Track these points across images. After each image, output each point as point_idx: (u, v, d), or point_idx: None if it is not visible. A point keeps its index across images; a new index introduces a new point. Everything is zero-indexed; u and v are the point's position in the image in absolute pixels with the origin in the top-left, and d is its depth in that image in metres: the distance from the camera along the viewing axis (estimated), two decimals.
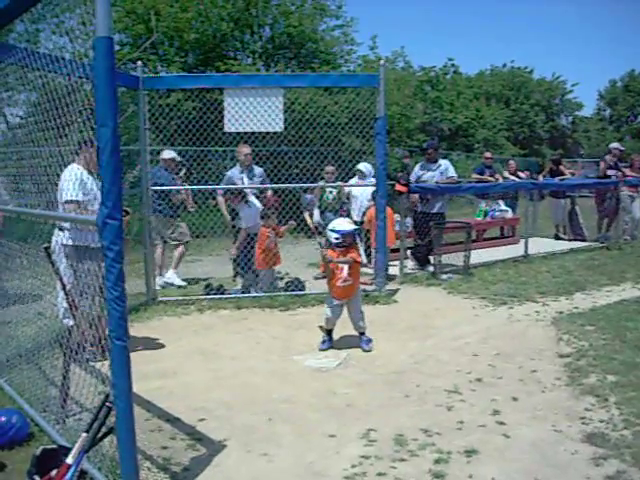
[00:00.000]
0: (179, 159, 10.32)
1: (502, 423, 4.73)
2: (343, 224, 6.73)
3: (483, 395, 5.30)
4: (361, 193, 10.74)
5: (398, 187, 10.20)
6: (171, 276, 9.88)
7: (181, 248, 10.02)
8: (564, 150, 43.76)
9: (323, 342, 6.79)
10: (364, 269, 9.26)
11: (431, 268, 10.52)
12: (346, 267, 6.64)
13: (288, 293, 8.96)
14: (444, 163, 11.09)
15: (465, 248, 10.56)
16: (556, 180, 14.57)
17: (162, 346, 6.77)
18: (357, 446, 4.36)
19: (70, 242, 5.34)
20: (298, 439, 4.49)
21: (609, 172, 14.67)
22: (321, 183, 10.63)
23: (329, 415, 4.93)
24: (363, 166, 10.67)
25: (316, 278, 9.77)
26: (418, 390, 5.46)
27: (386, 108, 8.79)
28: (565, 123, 50.33)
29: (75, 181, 5.37)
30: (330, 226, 6.78)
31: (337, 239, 6.64)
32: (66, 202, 5.45)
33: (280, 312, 8.29)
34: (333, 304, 6.77)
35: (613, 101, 60.96)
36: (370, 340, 6.78)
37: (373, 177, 9.48)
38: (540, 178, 15.85)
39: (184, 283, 9.87)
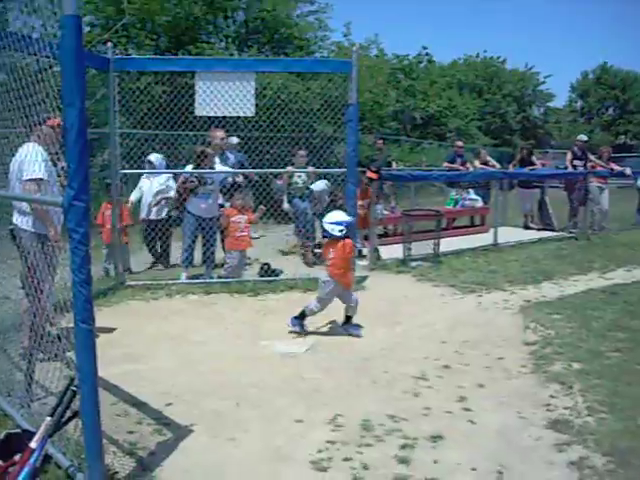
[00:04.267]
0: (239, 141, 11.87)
1: (468, 409, 4.77)
2: (343, 216, 6.80)
3: (450, 382, 5.35)
4: (149, 188, 10.03)
5: (369, 174, 10.20)
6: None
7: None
8: (535, 141, 44.05)
9: (295, 325, 6.80)
10: None
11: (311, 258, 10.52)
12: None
13: (257, 278, 8.95)
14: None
15: (435, 236, 10.61)
16: (526, 170, 14.67)
17: (130, 330, 6.70)
18: (324, 431, 4.38)
19: (32, 229, 5.19)
20: (265, 424, 4.50)
21: (575, 162, 14.83)
22: (289, 168, 10.57)
23: (297, 400, 4.94)
24: (154, 157, 10.01)
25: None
26: (386, 376, 5.49)
27: (359, 95, 8.78)
28: (537, 114, 50.61)
29: (39, 160, 5.03)
30: (331, 219, 6.75)
31: (341, 231, 6.65)
32: (29, 180, 5.07)
33: (249, 298, 8.26)
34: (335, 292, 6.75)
35: (585, 93, 61.56)
36: (359, 327, 6.85)
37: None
38: (511, 167, 15.92)
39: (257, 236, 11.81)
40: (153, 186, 9.85)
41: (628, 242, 12.74)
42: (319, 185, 10.91)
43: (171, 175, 9.98)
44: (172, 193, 9.84)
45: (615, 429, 4.40)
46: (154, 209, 9.83)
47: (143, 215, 9.98)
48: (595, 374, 5.44)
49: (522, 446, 4.19)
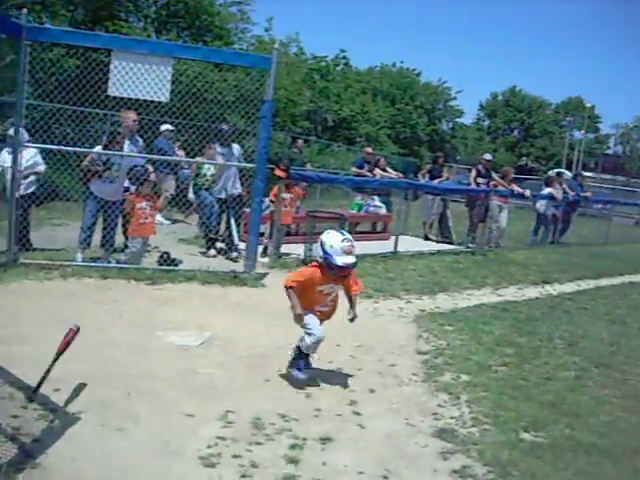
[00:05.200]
0: (172, 129, 12.98)
1: (358, 413, 4.86)
2: (343, 244, 5.19)
3: (342, 385, 5.43)
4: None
5: (278, 172, 10.22)
6: (160, 218, 11.57)
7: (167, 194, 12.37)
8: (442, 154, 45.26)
9: (299, 368, 5.44)
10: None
11: (212, 252, 10.39)
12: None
13: (156, 267, 8.81)
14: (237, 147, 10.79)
15: None
16: (435, 182, 15.09)
17: (20, 311, 6.45)
18: (214, 427, 4.37)
19: None
20: (155, 416, 4.44)
21: (478, 180, 15.35)
22: (199, 159, 10.47)
23: (189, 394, 4.90)
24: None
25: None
26: (279, 375, 5.52)
27: (274, 92, 8.79)
28: (445, 128, 51.98)
29: None
30: (327, 239, 5.27)
31: (323, 259, 5.25)
32: None
33: (146, 286, 8.11)
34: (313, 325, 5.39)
35: (492, 113, 63.92)
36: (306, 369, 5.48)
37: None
38: (420, 177, 16.31)
39: (168, 222, 12.83)
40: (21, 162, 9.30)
41: (522, 261, 13.29)
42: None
43: (38, 150, 9.53)
44: (40, 168, 9.47)
45: (497, 440, 4.59)
46: (22, 185, 9.31)
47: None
48: (482, 386, 5.65)
49: (408, 452, 4.31)
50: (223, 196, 10.39)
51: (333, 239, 5.21)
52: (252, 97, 9.30)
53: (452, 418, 4.95)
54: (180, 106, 10.10)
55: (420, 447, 4.42)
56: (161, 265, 8.90)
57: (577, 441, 4.76)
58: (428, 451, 4.37)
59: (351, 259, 5.19)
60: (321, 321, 5.47)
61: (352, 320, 5.53)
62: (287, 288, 5.36)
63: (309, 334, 5.32)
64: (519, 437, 4.72)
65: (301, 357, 5.45)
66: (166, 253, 9.18)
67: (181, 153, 13.06)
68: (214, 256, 10.15)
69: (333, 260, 5.14)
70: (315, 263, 5.39)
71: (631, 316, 9.30)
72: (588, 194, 19.61)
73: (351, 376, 5.68)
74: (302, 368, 5.41)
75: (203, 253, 10.33)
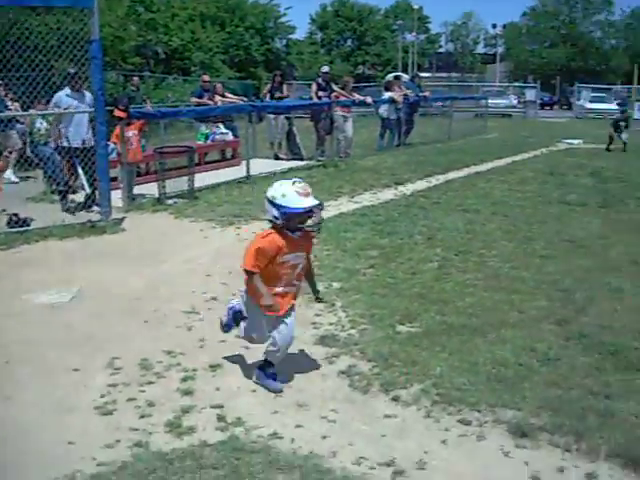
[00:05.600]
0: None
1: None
2: (309, 192, 4.01)
3: (220, 313, 5.45)
4: None
5: (117, 112, 9.92)
6: (9, 175, 11.81)
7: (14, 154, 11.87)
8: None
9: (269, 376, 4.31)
10: None
11: (66, 204, 9.86)
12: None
13: (7, 230, 8.44)
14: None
15: (189, 172, 10.64)
16: (274, 101, 15.11)
17: None
18: (103, 376, 4.39)
19: None
20: (42, 378, 4.39)
21: (320, 93, 15.54)
22: (32, 111, 9.99)
23: (70, 350, 4.85)
24: None
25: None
26: (157, 314, 5.58)
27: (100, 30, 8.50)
28: (279, 46, 51.74)
29: None
30: (280, 192, 4.00)
31: (276, 218, 4.05)
32: None
33: (1, 252, 7.78)
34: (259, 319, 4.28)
35: (324, 25, 64.13)
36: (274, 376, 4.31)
37: None
38: (263, 99, 16.32)
39: (18, 180, 12.17)
40: None
41: (372, 167, 13.73)
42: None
43: None
44: None
45: (376, 337, 4.92)
46: None
47: None
48: (354, 290, 5.95)
49: (296, 363, 4.54)
50: (66, 145, 9.89)
51: (282, 188, 4.00)
52: (77, 39, 8.88)
53: (331, 324, 5.23)
54: (2, 58, 9.52)
55: (306, 356, 4.67)
56: (12, 228, 8.53)
57: (449, 325, 5.17)
58: (314, 358, 4.63)
59: (314, 200, 4.03)
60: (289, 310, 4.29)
61: (320, 299, 4.76)
62: (250, 274, 4.16)
63: (274, 344, 4.23)
64: (396, 330, 5.06)
65: (269, 366, 4.32)
66: (15, 214, 8.78)
67: (15, 105, 12.38)
68: (68, 209, 9.81)
69: (294, 209, 3.94)
70: (269, 229, 4.16)
71: (481, 204, 9.92)
72: (427, 94, 20.24)
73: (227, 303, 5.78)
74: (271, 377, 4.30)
75: (59, 208, 9.89)
